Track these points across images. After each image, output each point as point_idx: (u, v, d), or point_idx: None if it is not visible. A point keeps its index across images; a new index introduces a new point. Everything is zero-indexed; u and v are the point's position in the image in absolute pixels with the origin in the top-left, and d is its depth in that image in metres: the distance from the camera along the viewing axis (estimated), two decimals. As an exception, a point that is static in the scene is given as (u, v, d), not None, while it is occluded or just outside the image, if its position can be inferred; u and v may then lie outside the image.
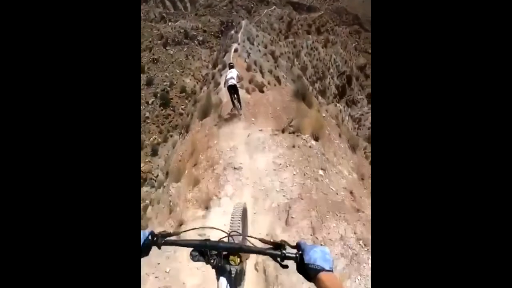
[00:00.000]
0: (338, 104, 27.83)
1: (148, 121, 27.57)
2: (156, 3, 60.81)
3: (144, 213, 6.57)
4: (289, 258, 0.83)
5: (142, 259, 0.87)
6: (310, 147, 5.63)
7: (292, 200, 4.14)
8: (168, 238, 0.93)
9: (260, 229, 3.69)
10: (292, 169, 4.88)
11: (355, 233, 3.45)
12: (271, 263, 3.08)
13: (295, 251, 0.83)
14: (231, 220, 1.27)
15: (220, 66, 16.80)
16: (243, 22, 34.56)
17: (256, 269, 3.15)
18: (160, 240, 0.91)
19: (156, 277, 3.22)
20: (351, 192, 4.77)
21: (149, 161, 22.00)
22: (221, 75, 13.34)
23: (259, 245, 0.94)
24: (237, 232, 1.07)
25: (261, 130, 6.43)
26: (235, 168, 5.12)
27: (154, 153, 23.03)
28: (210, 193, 4.56)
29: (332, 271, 0.75)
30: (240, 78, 7.42)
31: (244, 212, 1.43)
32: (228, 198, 4.42)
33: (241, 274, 1.14)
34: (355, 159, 7.10)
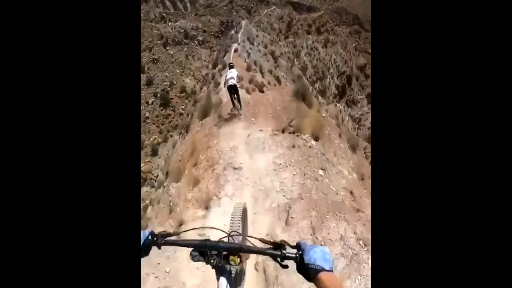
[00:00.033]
0: (338, 104, 27.84)
1: (148, 121, 27.57)
2: (156, 3, 60.82)
3: (144, 213, 6.57)
4: (289, 258, 0.82)
5: (142, 259, 0.86)
6: (310, 147, 5.62)
7: (292, 200, 4.14)
8: (168, 238, 0.93)
9: (260, 229, 3.68)
10: (292, 169, 4.87)
11: (355, 233, 3.46)
12: (271, 263, 3.08)
13: (295, 251, 0.83)
14: (231, 220, 1.27)
15: (220, 66, 16.80)
16: (243, 22, 34.57)
17: (256, 269, 3.15)
18: (160, 240, 0.91)
19: (156, 277, 3.22)
20: (351, 192, 4.76)
21: (149, 161, 22.01)
22: (221, 75, 13.34)
23: (259, 245, 0.94)
24: (237, 232, 1.07)
25: (261, 130, 6.43)
26: (235, 168, 5.11)
27: (154, 153, 23.04)
28: (210, 193, 4.55)
29: (332, 271, 0.75)
30: (240, 78, 7.41)
31: (244, 212, 1.43)
32: (228, 198, 4.41)
33: (241, 274, 1.14)
34: (355, 159, 7.11)
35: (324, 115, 8.90)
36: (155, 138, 25.73)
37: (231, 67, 7.75)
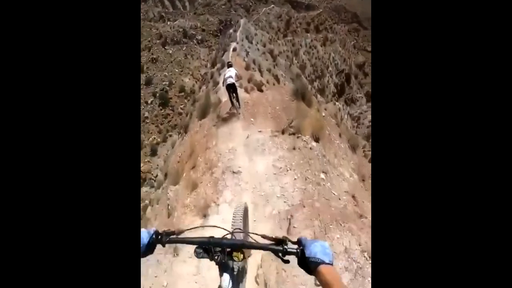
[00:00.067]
0: (337, 103, 27.83)
1: (147, 121, 27.51)
2: (155, 2, 60.61)
3: (144, 213, 6.53)
4: (291, 253, 0.84)
5: (142, 265, 0.84)
6: (310, 148, 5.49)
7: (294, 208, 4.00)
8: (172, 236, 0.95)
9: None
10: (293, 173, 4.73)
11: (359, 245, 3.35)
12: (271, 277, 3.01)
13: (296, 246, 0.85)
14: (233, 218, 1.32)
15: (219, 65, 16.77)
16: (242, 21, 34.50)
17: (257, 282, 3.04)
18: (164, 238, 0.93)
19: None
20: (353, 196, 4.65)
21: (148, 161, 21.96)
22: (220, 74, 13.29)
23: (261, 241, 0.96)
24: (240, 229, 1.10)
25: (260, 131, 6.29)
26: (234, 172, 4.94)
27: (154, 153, 22.99)
28: (208, 199, 4.40)
29: (332, 264, 0.77)
30: (238, 77, 7.37)
31: (245, 211, 1.48)
32: (227, 205, 4.24)
33: (242, 272, 1.18)
34: (355, 159, 7.05)
35: (324, 114, 8.86)
36: (154, 138, 25.69)
37: (229, 66, 7.69)
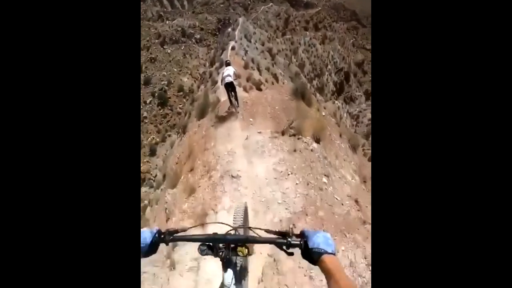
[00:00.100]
0: (336, 101, 27.81)
1: (146, 121, 27.44)
2: (154, 1, 60.43)
3: (143, 214, 6.46)
4: (295, 245, 0.86)
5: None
6: (311, 150, 5.34)
7: (296, 216, 3.81)
8: (176, 235, 0.96)
9: (261, 248, 3.15)
10: (294, 177, 4.54)
11: (365, 258, 3.23)
12: None
13: (299, 239, 0.87)
14: (234, 216, 1.36)
15: (217, 64, 16.73)
16: (240, 19, 34.43)
17: None
18: (167, 237, 0.94)
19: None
20: (356, 201, 4.51)
21: (147, 161, 21.90)
22: (218, 73, 13.23)
23: (265, 235, 0.98)
24: (242, 225, 1.14)
25: (260, 132, 6.10)
26: (233, 177, 4.72)
27: (153, 153, 22.93)
28: (206, 206, 4.20)
29: (334, 254, 0.80)
30: (237, 76, 7.30)
31: (245, 210, 1.54)
32: (226, 212, 4.02)
33: (245, 271, 1.21)
34: (356, 160, 6.95)
35: (324, 114, 8.78)
36: (153, 138, 25.62)
37: (227, 64, 7.62)
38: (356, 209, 4.33)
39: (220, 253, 0.93)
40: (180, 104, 28.03)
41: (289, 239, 0.87)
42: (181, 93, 29.89)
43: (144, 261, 0.98)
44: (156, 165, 18.63)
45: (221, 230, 1.05)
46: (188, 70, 33.78)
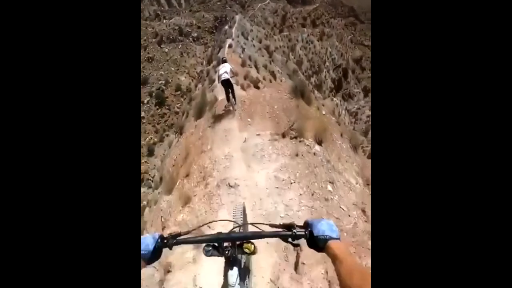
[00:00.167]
0: (334, 98, 27.72)
1: (144, 121, 27.35)
2: (151, 1, 60.01)
3: (142, 215, 6.33)
4: (300, 236, 0.87)
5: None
6: (314, 154, 5.02)
7: None
8: (179, 238, 0.94)
9: (263, 271, 2.89)
10: (297, 186, 4.17)
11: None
12: None
13: (304, 229, 0.88)
14: (233, 214, 1.37)
15: (214, 63, 16.61)
16: (237, 17, 34.23)
17: None
18: (170, 241, 0.92)
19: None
20: (363, 211, 4.21)
21: (145, 162, 21.80)
22: (215, 72, 13.11)
23: (269, 230, 0.97)
24: (242, 222, 1.15)
25: (258, 134, 5.71)
26: (230, 186, 4.31)
27: (151, 153, 22.84)
28: (201, 220, 3.84)
29: (339, 239, 0.82)
30: (234, 73, 7.15)
31: (244, 209, 1.55)
32: (223, 229, 3.80)
33: (247, 270, 1.22)
34: (357, 160, 6.72)
35: (324, 112, 8.63)
36: (151, 138, 25.53)
37: (223, 61, 7.41)
38: (363, 220, 4.03)
39: (226, 252, 0.92)
40: (178, 104, 27.93)
41: (294, 231, 0.87)
42: (179, 92, 29.78)
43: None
44: (154, 165, 18.53)
45: (223, 230, 1.05)
46: (186, 69, 33.62)
